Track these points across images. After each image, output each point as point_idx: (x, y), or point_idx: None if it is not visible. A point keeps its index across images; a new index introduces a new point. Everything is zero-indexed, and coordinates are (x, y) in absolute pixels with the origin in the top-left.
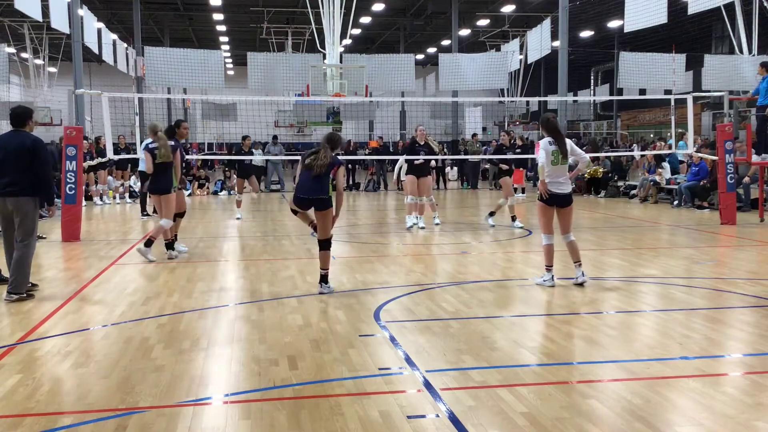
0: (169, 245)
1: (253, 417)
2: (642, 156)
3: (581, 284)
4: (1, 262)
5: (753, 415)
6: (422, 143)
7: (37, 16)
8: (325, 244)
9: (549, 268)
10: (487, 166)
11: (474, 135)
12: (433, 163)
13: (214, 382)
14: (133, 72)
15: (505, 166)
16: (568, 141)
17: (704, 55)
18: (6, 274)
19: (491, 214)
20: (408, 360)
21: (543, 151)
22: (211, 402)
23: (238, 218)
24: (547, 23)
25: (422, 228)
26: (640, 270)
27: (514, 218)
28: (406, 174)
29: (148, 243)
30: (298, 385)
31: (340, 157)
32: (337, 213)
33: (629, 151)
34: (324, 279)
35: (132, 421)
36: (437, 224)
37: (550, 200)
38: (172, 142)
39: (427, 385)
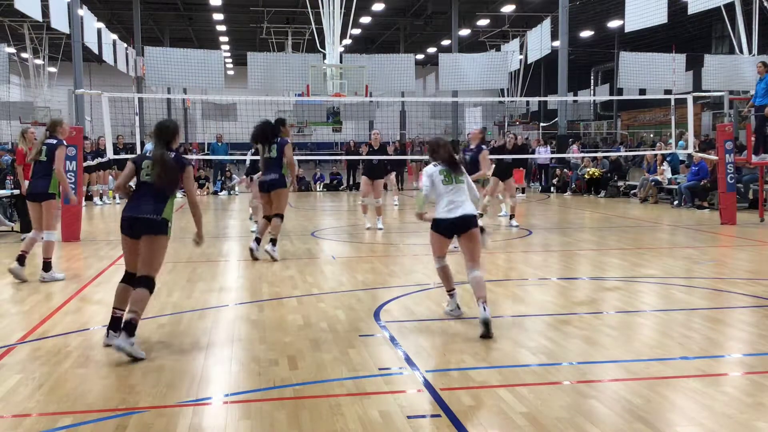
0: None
1: (253, 417)
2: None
3: (486, 324)
4: None
5: (753, 415)
6: (377, 147)
7: (37, 16)
8: (145, 282)
9: (451, 292)
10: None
11: (469, 134)
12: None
13: (214, 382)
14: (133, 72)
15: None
16: (465, 174)
17: (704, 55)
18: None
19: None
20: (408, 360)
21: (426, 177)
22: (211, 402)
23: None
24: (547, 23)
25: (380, 229)
26: (640, 270)
27: (480, 215)
28: (362, 175)
29: (46, 266)
30: (298, 385)
31: (186, 157)
32: (199, 231)
33: (630, 150)
34: (129, 329)
35: (132, 421)
36: (380, 229)
37: (446, 230)
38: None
39: (427, 385)
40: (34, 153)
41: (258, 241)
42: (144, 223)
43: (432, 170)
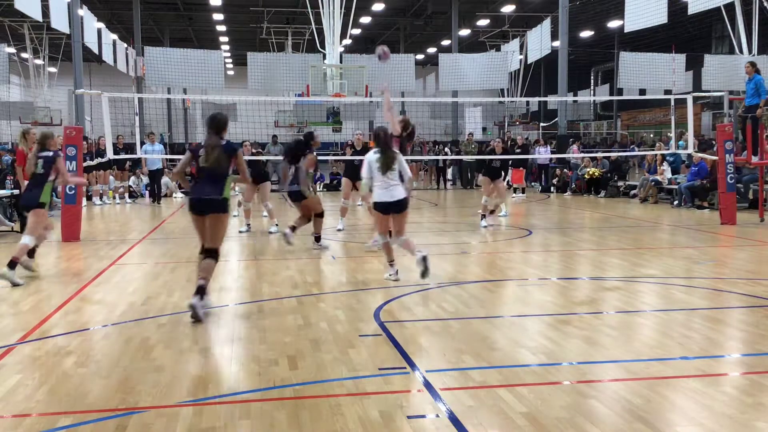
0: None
1: (253, 417)
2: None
3: (424, 259)
4: None
5: (753, 415)
6: (359, 148)
7: (37, 16)
8: (211, 253)
9: (391, 263)
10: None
11: (470, 134)
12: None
13: (214, 382)
14: (133, 72)
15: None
16: (398, 155)
17: (704, 55)
18: None
19: (491, 212)
20: (408, 360)
21: (366, 163)
22: (211, 402)
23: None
24: (547, 23)
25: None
26: (640, 270)
27: (483, 216)
28: (343, 176)
29: (12, 265)
30: (298, 385)
31: (232, 143)
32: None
33: (629, 150)
34: (201, 291)
35: (132, 421)
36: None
37: (384, 209)
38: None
39: (427, 385)
40: (29, 167)
41: (293, 229)
42: (209, 204)
43: (371, 157)
